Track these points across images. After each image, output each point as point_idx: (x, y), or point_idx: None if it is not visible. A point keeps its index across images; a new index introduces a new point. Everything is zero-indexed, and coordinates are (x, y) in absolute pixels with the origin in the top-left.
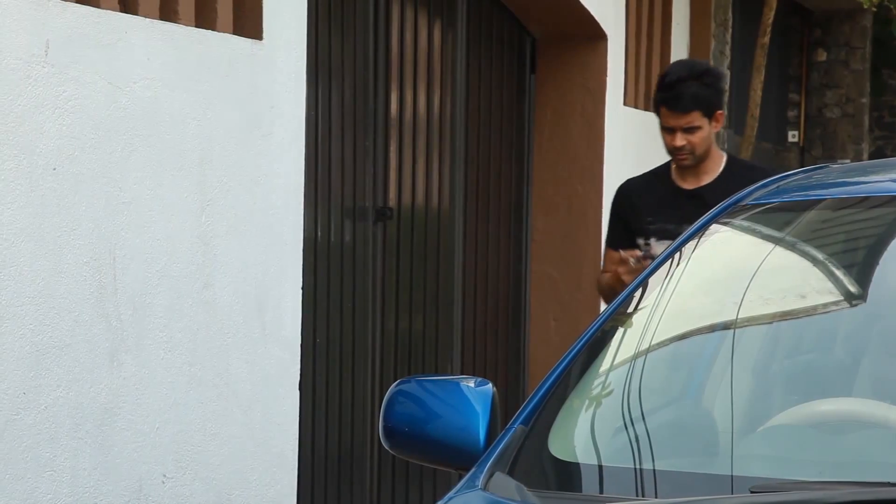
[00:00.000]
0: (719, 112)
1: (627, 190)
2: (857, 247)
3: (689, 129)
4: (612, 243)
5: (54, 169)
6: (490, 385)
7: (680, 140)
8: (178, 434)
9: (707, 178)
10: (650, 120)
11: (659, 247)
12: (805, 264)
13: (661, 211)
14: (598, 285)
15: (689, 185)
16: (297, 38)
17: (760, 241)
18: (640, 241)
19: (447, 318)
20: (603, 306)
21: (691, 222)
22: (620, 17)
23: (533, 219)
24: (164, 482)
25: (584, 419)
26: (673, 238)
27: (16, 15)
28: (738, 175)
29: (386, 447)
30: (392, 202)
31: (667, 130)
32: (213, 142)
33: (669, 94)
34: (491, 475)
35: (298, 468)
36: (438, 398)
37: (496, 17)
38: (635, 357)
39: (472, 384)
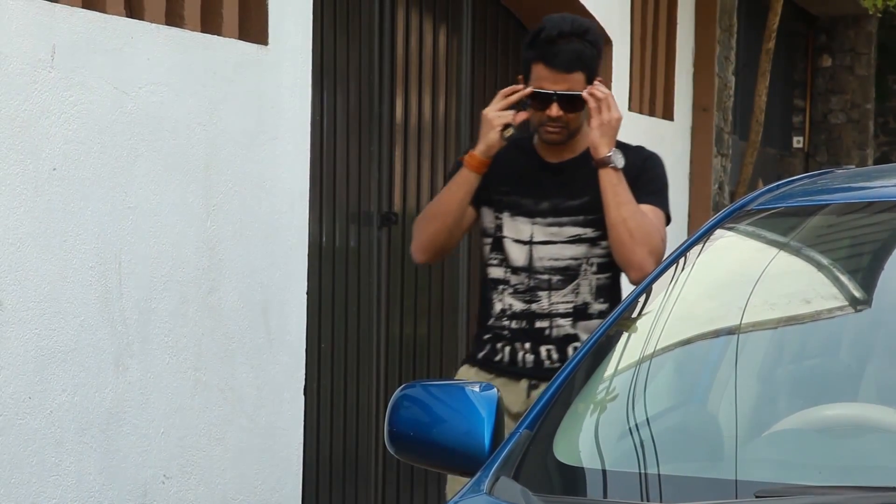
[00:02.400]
0: (599, 79)
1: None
2: (862, 252)
3: (570, 101)
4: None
5: (54, 169)
6: (495, 389)
7: (556, 109)
8: (183, 438)
9: (572, 153)
10: (655, 125)
11: (511, 223)
12: (810, 269)
13: (520, 183)
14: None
15: (553, 158)
16: (302, 44)
17: (765, 245)
18: (490, 215)
19: (452, 323)
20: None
21: (551, 199)
22: (625, 23)
23: None
24: (164, 482)
25: (588, 424)
26: (529, 215)
27: (22, 20)
28: None
29: (391, 452)
30: (397, 207)
31: (538, 99)
32: (218, 146)
33: (549, 49)
34: (496, 479)
35: (303, 473)
36: (443, 403)
37: (501, 22)
38: (640, 362)
39: (476, 389)
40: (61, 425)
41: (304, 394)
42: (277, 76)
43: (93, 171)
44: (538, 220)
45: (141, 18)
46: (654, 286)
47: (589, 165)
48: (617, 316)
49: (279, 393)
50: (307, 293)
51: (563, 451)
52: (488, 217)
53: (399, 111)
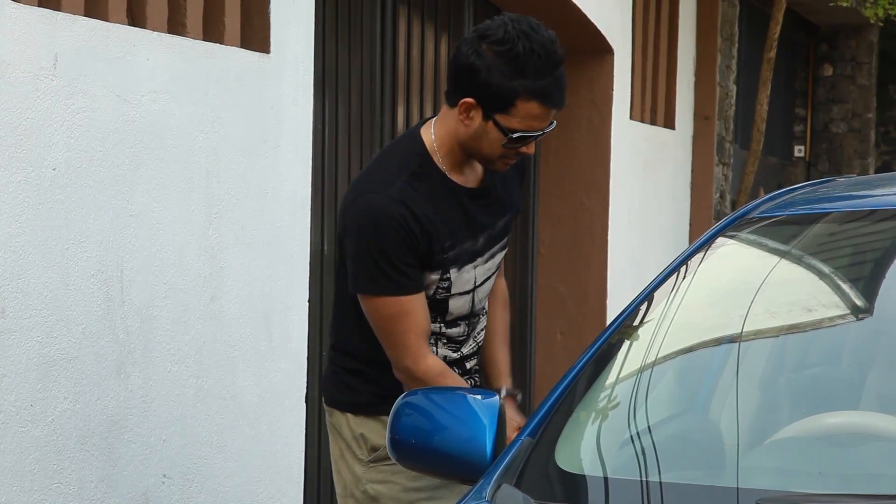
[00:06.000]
0: None
1: (405, 208)
2: (864, 260)
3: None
4: (419, 284)
5: (55, 170)
6: (497, 397)
7: (534, 147)
8: (185, 446)
9: (480, 170)
10: (656, 133)
11: (459, 278)
12: (811, 277)
13: (458, 229)
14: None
15: (471, 181)
16: (304, 52)
17: (767, 254)
18: (434, 278)
19: None
20: (609, 319)
21: (484, 232)
22: (627, 31)
23: (539, 232)
24: (164, 482)
25: (590, 431)
26: (471, 260)
27: (24, 28)
28: None
29: (392, 459)
30: None
31: (520, 140)
32: (220, 155)
33: (552, 85)
34: (498, 487)
35: (304, 480)
36: (445, 410)
37: None
38: (641, 370)
39: (478, 396)
40: (63, 433)
41: (306, 401)
42: (279, 84)
43: (95, 178)
44: (478, 261)
45: (143, 27)
46: (656, 294)
47: (500, 183)
48: (619, 324)
49: (281, 401)
50: (308, 301)
51: (564, 459)
52: (430, 279)
53: (400, 119)
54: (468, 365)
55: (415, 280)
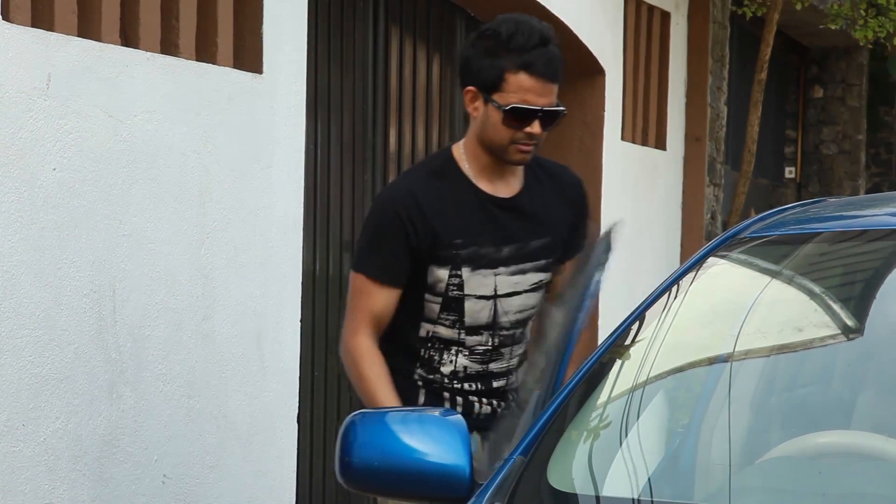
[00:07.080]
0: None
1: (411, 198)
2: (855, 280)
3: (550, 116)
4: (392, 277)
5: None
6: (460, 416)
7: (539, 126)
8: (177, 466)
9: (517, 183)
10: (647, 154)
11: (473, 279)
12: (802, 297)
13: (475, 231)
14: (358, 358)
15: (501, 192)
16: (297, 72)
17: (758, 273)
18: (443, 274)
19: None
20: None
21: (513, 244)
22: (618, 53)
23: None
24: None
25: (582, 450)
26: (491, 266)
27: (17, 48)
28: (545, 178)
29: (343, 482)
30: None
31: (517, 116)
32: (213, 175)
33: (536, 55)
34: None
35: (296, 501)
36: (412, 429)
37: None
38: (633, 389)
39: (438, 413)
40: (55, 453)
41: (298, 422)
42: (272, 105)
43: (87, 198)
44: (501, 269)
45: (136, 47)
46: (647, 314)
47: (539, 197)
48: (610, 343)
49: (272, 421)
50: (301, 321)
51: (557, 478)
52: (439, 275)
53: (392, 140)
54: (495, 384)
55: (391, 269)
